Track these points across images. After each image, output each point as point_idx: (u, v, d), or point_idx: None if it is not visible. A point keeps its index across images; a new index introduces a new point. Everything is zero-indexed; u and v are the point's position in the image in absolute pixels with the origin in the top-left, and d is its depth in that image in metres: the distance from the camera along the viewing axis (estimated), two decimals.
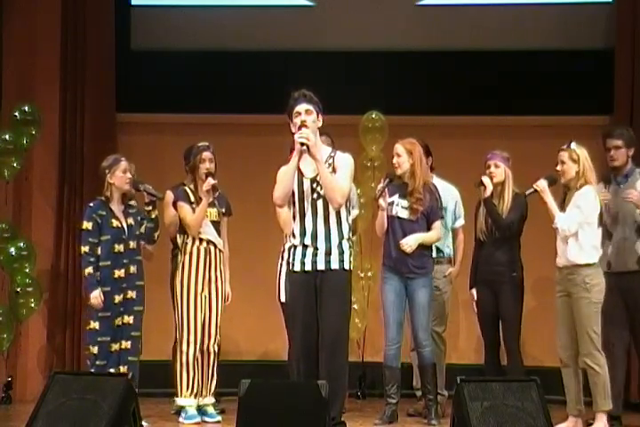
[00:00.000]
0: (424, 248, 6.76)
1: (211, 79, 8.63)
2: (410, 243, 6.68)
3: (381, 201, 6.76)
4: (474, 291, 6.91)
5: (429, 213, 6.76)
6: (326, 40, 8.73)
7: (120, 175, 6.61)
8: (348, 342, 5.75)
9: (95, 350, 6.49)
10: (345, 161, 5.74)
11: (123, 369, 6.46)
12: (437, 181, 7.20)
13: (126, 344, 6.57)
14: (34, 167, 8.40)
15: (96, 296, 6.50)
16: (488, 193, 6.77)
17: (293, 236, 5.72)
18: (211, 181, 6.80)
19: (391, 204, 6.78)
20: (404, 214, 6.75)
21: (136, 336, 6.61)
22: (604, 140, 6.87)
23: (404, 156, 6.77)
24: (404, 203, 6.75)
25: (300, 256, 5.67)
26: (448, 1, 8.85)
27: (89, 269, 6.52)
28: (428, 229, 6.78)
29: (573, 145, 6.39)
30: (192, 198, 6.92)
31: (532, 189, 6.51)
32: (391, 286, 6.75)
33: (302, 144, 5.53)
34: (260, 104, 8.25)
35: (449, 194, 7.21)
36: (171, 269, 7.21)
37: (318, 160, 5.56)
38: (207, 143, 6.98)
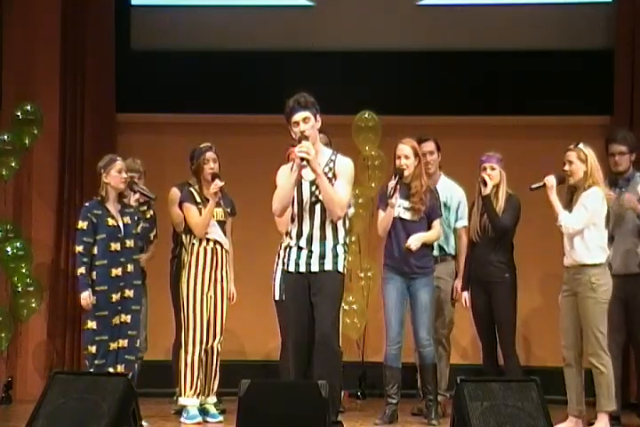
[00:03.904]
0: (426, 248, 6.75)
1: (211, 79, 8.63)
2: (415, 242, 6.66)
3: (394, 199, 6.63)
4: (465, 293, 6.89)
5: (430, 213, 6.75)
6: (326, 40, 8.73)
7: (115, 175, 6.59)
8: (338, 341, 5.76)
9: (94, 349, 6.46)
10: (345, 168, 5.72)
11: (120, 368, 6.44)
12: (444, 180, 7.22)
13: (123, 343, 6.54)
14: (34, 167, 8.40)
15: (85, 297, 6.49)
16: (488, 191, 6.75)
17: (290, 237, 5.74)
18: (218, 183, 6.80)
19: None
20: (407, 215, 6.72)
21: (132, 335, 6.58)
22: (607, 145, 6.88)
23: (412, 157, 6.72)
24: (406, 204, 6.71)
25: (294, 257, 5.69)
26: (448, 1, 8.85)
27: (81, 270, 6.51)
28: (429, 228, 6.78)
29: (581, 145, 6.39)
30: (198, 199, 6.92)
31: (540, 183, 6.45)
32: (393, 285, 6.73)
33: (302, 159, 5.51)
34: (260, 104, 8.25)
35: (454, 193, 7.20)
36: (171, 269, 7.22)
37: (319, 174, 5.54)
38: (210, 144, 6.98)
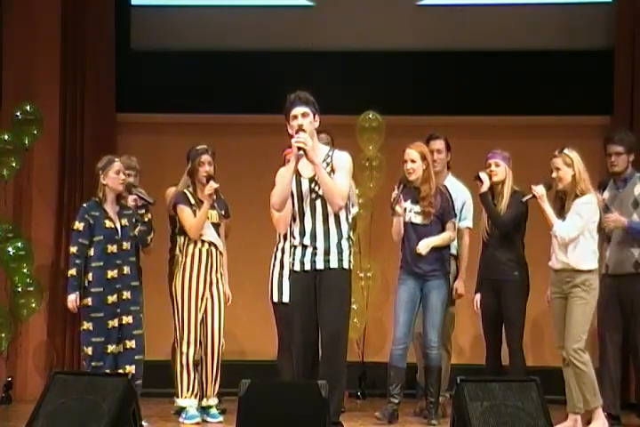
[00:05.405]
0: (438, 250, 6.75)
1: (210, 79, 8.63)
2: (423, 247, 6.67)
3: (397, 208, 6.69)
4: (478, 296, 6.87)
5: (442, 215, 6.75)
6: (326, 40, 8.73)
7: (113, 176, 6.58)
8: (346, 341, 5.75)
9: (90, 351, 6.44)
10: (343, 161, 5.71)
11: (129, 368, 6.43)
12: (451, 180, 7.21)
13: (131, 344, 6.53)
14: (34, 167, 8.40)
15: (72, 300, 6.47)
16: (485, 188, 6.76)
17: (294, 236, 5.73)
18: (213, 184, 6.79)
19: (404, 210, 6.73)
20: (418, 220, 6.74)
21: (139, 335, 6.58)
22: (605, 145, 6.89)
23: (419, 161, 6.74)
24: (417, 208, 6.73)
25: (299, 256, 5.67)
26: (448, 1, 8.85)
27: (72, 271, 6.49)
28: (443, 230, 6.78)
29: (566, 150, 6.41)
30: (192, 201, 6.91)
31: (529, 195, 6.52)
32: (406, 286, 6.75)
33: (299, 149, 5.52)
34: (260, 104, 8.25)
35: (459, 193, 7.18)
36: (169, 270, 7.22)
37: (317, 164, 5.55)
38: (205, 146, 6.95)
